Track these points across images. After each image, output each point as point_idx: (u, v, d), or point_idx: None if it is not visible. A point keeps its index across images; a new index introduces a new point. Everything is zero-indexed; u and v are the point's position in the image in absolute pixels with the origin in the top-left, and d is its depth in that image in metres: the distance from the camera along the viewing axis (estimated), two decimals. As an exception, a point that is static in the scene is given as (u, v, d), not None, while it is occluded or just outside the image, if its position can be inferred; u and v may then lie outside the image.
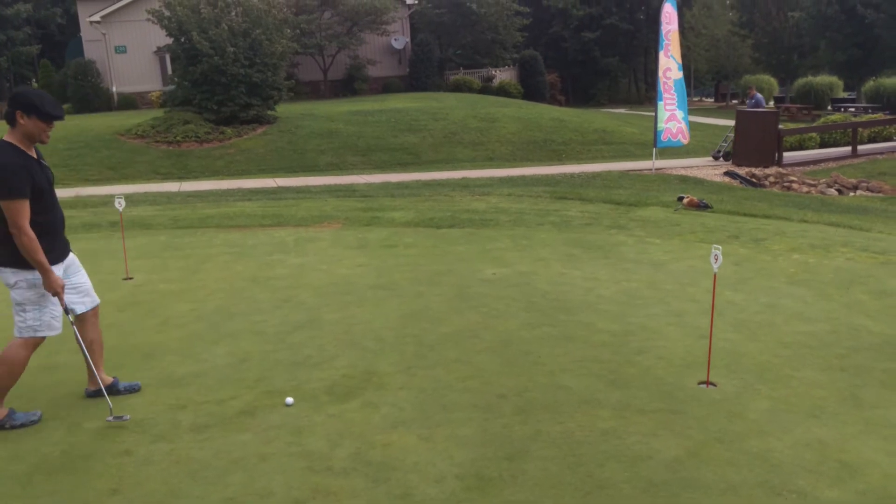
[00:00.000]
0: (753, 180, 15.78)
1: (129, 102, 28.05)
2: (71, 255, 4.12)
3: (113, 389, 4.25)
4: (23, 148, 3.78)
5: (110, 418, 3.94)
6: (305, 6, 28.80)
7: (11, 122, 3.77)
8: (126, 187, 14.89)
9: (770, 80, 41.08)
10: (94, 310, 4.26)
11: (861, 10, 32.53)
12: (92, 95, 27.52)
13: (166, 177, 16.86)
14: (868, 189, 15.47)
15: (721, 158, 18.53)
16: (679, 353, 4.78)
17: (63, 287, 3.89)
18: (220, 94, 19.43)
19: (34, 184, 3.74)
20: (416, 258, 7.50)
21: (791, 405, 4.01)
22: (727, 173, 16.41)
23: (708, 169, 17.18)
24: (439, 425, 3.84)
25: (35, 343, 3.96)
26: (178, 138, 18.87)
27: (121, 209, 7.24)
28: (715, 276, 4.49)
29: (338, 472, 3.42)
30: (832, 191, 15.17)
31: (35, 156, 3.86)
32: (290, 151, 19.10)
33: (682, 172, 16.54)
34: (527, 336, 5.13)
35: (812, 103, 34.15)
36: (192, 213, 10.60)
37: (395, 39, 32.41)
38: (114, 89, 28.94)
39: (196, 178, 16.70)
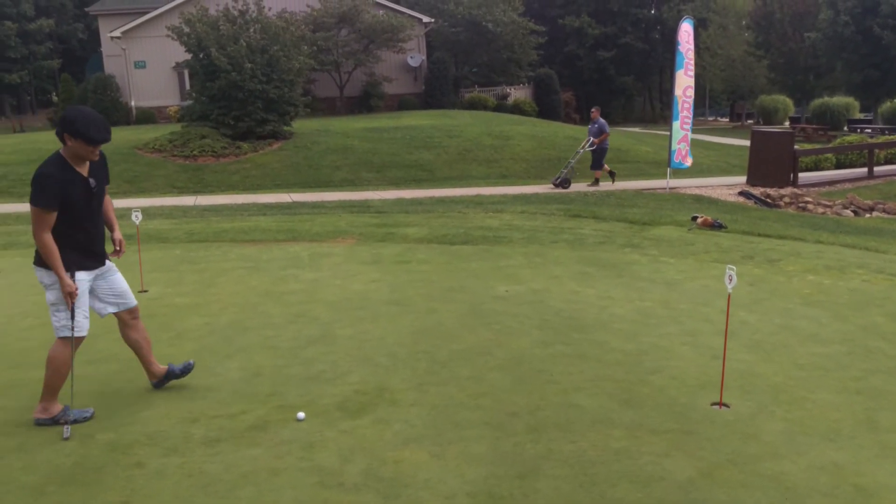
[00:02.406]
0: (768, 200, 15.71)
1: (148, 117, 28.37)
2: (106, 262, 4.32)
3: (171, 375, 4.56)
4: (71, 163, 3.97)
5: (66, 435, 3.98)
6: (323, 23, 29.07)
7: (61, 140, 3.95)
8: (143, 201, 15.02)
9: (786, 101, 40.99)
10: (130, 311, 4.42)
11: (878, 31, 32.45)
12: (111, 109, 27.85)
13: (183, 191, 17.00)
14: (884, 211, 15.36)
15: (560, 186, 16.52)
16: (692, 373, 4.75)
17: (73, 293, 4.02)
18: (237, 110, 19.60)
19: (67, 198, 3.93)
20: (429, 274, 7.51)
21: (806, 427, 3.97)
22: (742, 193, 16.36)
23: (722, 189, 17.12)
24: (451, 442, 3.83)
25: (75, 342, 4.13)
26: (194, 153, 19.04)
27: (137, 222, 7.30)
28: (729, 296, 4.47)
29: (349, 487, 3.41)
30: (848, 212, 15.07)
31: (85, 172, 4.03)
32: (306, 167, 19.22)
33: (697, 192, 16.50)
34: (540, 354, 5.12)
35: (828, 124, 34.03)
36: (207, 228, 10.67)
37: (412, 57, 32.62)
38: (132, 104, 29.27)
39: (212, 192, 16.83)
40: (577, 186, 16.68)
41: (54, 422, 4.10)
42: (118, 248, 4.36)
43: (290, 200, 15.04)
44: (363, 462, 3.64)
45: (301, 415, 4.15)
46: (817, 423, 4.02)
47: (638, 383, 4.59)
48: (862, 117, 37.26)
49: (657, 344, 5.30)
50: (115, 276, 4.34)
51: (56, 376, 4.13)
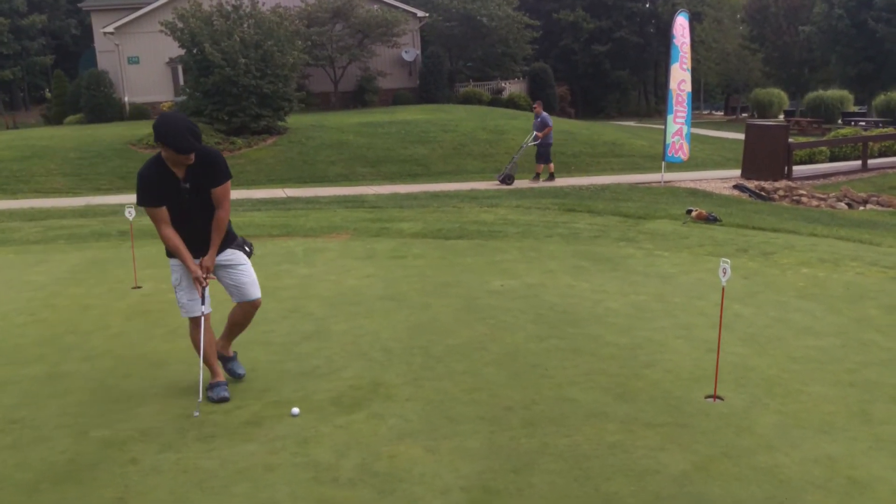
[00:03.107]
0: (763, 194, 15.74)
1: (141, 112, 28.25)
2: (227, 257, 4.44)
3: (226, 364, 4.65)
4: (168, 164, 4.13)
5: (196, 413, 4.19)
6: (317, 18, 28.99)
7: (158, 145, 4.15)
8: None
9: (780, 94, 41.02)
10: (251, 303, 4.55)
11: (872, 24, 32.49)
12: (104, 105, 27.73)
13: (177, 187, 16.94)
14: (878, 203, 15.41)
15: (504, 182, 16.09)
16: (687, 366, 4.75)
17: (199, 278, 4.27)
18: (231, 105, 19.56)
19: (164, 196, 4.15)
20: (423, 269, 7.51)
21: (800, 420, 3.98)
22: (736, 186, 16.38)
23: (717, 182, 17.15)
24: (446, 437, 3.83)
25: (194, 322, 4.40)
26: (188, 148, 18.97)
27: (131, 218, 7.28)
28: (723, 289, 4.47)
29: (344, 482, 3.41)
30: (842, 205, 15.11)
31: (181, 174, 4.15)
32: (300, 162, 19.19)
33: (691, 185, 16.52)
34: (534, 348, 5.12)
35: (822, 117, 34.07)
36: (201, 223, 10.63)
37: (406, 52, 32.56)
38: (126, 99, 29.16)
39: (206, 188, 16.76)
40: (521, 182, 16.45)
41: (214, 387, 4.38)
42: (201, 277, 4.31)
43: (284, 196, 15.02)
44: (358, 457, 3.64)
45: (296, 410, 4.15)
46: (811, 415, 4.03)
47: (632, 377, 4.59)
48: (856, 110, 37.32)
49: (651, 338, 5.31)
50: (237, 269, 4.47)
51: (197, 352, 4.43)
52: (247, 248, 4.60)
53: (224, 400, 4.34)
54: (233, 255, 4.48)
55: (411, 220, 10.66)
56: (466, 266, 7.63)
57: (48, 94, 39.32)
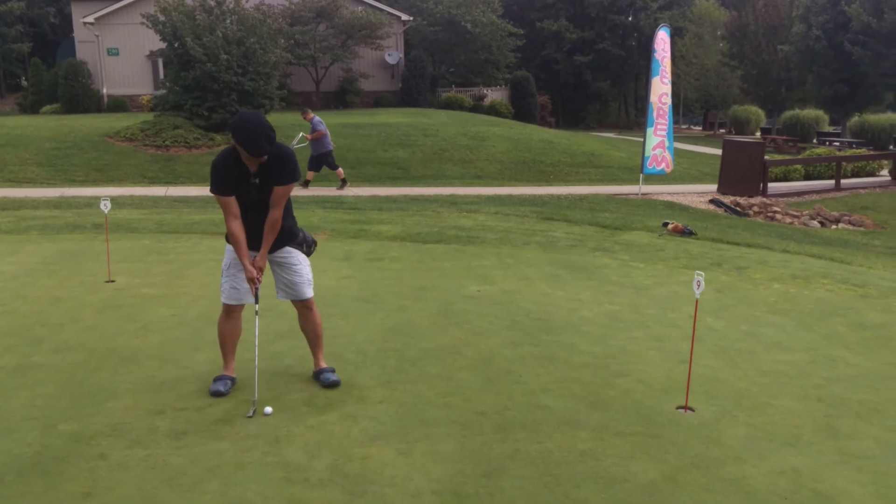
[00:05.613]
0: (738, 209, 15.94)
1: (119, 105, 27.92)
2: (283, 255, 4.44)
3: (316, 375, 4.62)
4: (243, 157, 4.10)
5: (250, 413, 4.13)
6: (301, 17, 28.89)
7: None
8: (112, 190, 14.81)
9: (758, 112, 41.58)
10: (302, 303, 4.58)
11: (848, 46, 33.02)
12: (82, 96, 27.36)
13: (153, 181, 16.79)
14: (850, 222, 15.67)
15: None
16: (659, 377, 4.80)
17: (252, 279, 4.27)
18: (211, 101, 19.40)
19: (233, 187, 4.17)
20: (400, 272, 7.50)
21: (768, 433, 4.04)
22: (712, 201, 16.58)
23: (693, 196, 17.33)
24: (418, 440, 3.84)
25: (226, 310, 4.48)
26: (166, 143, 18.81)
27: (106, 211, 7.20)
28: (697, 302, 4.53)
29: (314, 483, 3.41)
30: (815, 223, 15.35)
31: (252, 168, 4.13)
32: (279, 161, 19.06)
33: (668, 198, 16.68)
34: (508, 354, 5.14)
35: (798, 136, 34.59)
36: (177, 219, 10.56)
37: (389, 54, 32.53)
38: (104, 91, 28.82)
39: (183, 183, 16.64)
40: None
41: (216, 380, 4.43)
42: (256, 278, 4.31)
43: (262, 194, 14.87)
44: (329, 458, 3.63)
45: (268, 409, 4.13)
46: (779, 428, 4.09)
47: (605, 386, 4.63)
48: (831, 130, 37.93)
49: (625, 347, 5.35)
50: (291, 268, 4.47)
51: (219, 340, 4.55)
52: (305, 248, 4.59)
53: (335, 384, 4.50)
54: (288, 254, 4.47)
55: (390, 222, 10.65)
56: (443, 270, 7.64)
57: (24, 83, 38.75)
